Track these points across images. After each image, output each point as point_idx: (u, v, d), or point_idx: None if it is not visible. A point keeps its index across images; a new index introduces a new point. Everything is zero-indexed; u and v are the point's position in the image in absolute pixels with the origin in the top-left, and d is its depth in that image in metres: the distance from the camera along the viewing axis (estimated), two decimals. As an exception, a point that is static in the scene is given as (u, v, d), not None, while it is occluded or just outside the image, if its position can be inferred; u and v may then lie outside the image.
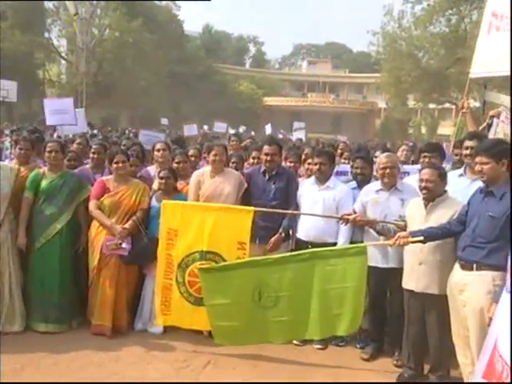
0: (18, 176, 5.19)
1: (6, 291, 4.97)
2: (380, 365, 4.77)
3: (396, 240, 4.21)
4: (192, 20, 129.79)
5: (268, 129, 27.21)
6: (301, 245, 5.12)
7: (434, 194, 4.31)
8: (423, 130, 44.05)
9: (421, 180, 4.37)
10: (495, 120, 5.75)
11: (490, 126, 5.80)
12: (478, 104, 12.17)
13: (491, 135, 5.56)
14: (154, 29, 37.99)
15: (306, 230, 5.16)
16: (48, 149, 5.26)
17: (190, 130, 17.56)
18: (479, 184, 4.09)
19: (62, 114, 11.16)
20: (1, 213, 4.96)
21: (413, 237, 4.17)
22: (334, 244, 4.97)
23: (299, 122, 27.25)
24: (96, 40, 33.03)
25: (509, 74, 5.47)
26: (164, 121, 28.66)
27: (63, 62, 40.62)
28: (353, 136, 34.49)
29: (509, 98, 6.24)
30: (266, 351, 4.80)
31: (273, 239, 5.16)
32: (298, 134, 19.47)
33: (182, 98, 43.23)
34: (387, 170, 4.82)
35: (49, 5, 36.81)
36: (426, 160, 5.26)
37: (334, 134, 35.74)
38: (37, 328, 5.06)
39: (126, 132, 18.35)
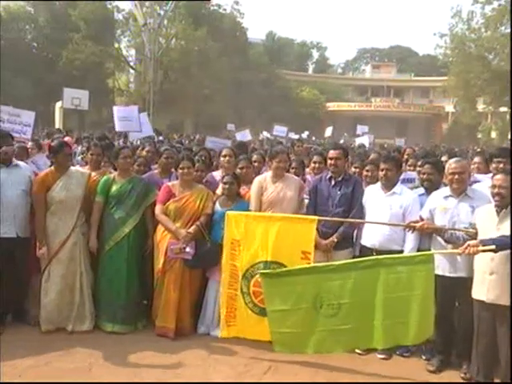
0: (90, 181, 5.40)
1: (77, 291, 5.17)
2: (447, 377, 4.60)
3: (465, 248, 4.06)
4: (255, 27, 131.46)
5: (328, 131, 26.99)
6: (365, 252, 5.04)
7: (507, 200, 4.13)
8: (493, 134, 42.35)
9: (493, 186, 4.20)
10: None
11: None
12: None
13: None
14: (218, 37, 38.72)
15: (370, 236, 5.07)
16: (122, 155, 5.42)
17: (243, 136, 17.60)
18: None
19: (129, 121, 11.59)
20: (74, 216, 5.19)
21: (483, 245, 3.99)
22: (400, 251, 4.86)
23: (362, 126, 26.79)
24: (163, 49, 33.97)
25: None
26: (230, 126, 28.86)
27: (132, 71, 42.23)
28: (419, 142, 33.62)
29: None
30: (328, 359, 4.73)
31: (324, 243, 5.08)
32: (362, 140, 19.05)
33: (246, 104, 43.68)
34: (456, 176, 4.67)
35: (119, 16, 38.46)
36: (500, 166, 5.04)
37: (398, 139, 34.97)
38: (104, 328, 5.23)
39: (191, 138, 18.71)
